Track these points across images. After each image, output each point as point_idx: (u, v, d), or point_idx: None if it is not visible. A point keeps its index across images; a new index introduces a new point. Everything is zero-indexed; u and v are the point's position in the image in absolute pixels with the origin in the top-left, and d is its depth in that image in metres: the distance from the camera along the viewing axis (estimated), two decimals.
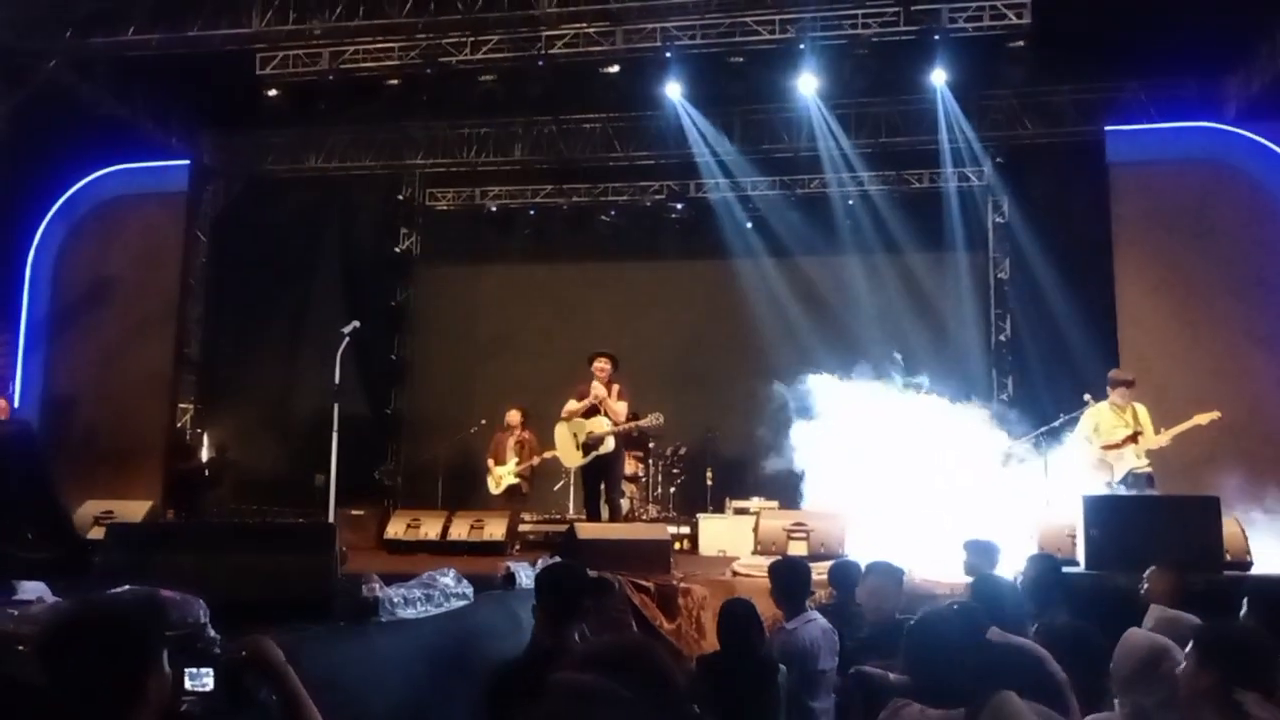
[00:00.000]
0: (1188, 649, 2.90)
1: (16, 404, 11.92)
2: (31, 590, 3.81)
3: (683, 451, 12.33)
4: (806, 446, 9.61)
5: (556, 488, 12.53)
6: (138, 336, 12.72)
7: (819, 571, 7.03)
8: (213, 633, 2.86)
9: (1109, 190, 11.43)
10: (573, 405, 9.32)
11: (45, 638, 2.13)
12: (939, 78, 11.14)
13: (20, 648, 2.83)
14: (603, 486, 9.64)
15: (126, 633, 2.11)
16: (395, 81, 11.32)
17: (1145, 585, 4.90)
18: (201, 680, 2.44)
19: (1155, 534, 6.33)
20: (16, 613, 3.34)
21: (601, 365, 9.51)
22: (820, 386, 10.32)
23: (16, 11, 10.54)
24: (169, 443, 12.95)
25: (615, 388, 9.53)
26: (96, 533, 7.11)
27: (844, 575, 5.77)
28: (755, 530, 8.15)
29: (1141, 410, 8.50)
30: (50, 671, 2.07)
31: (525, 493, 11.21)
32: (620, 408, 9.31)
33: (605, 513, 9.70)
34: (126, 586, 2.83)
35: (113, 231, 13.15)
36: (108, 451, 11.82)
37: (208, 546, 4.01)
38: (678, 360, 12.83)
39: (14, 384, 12.53)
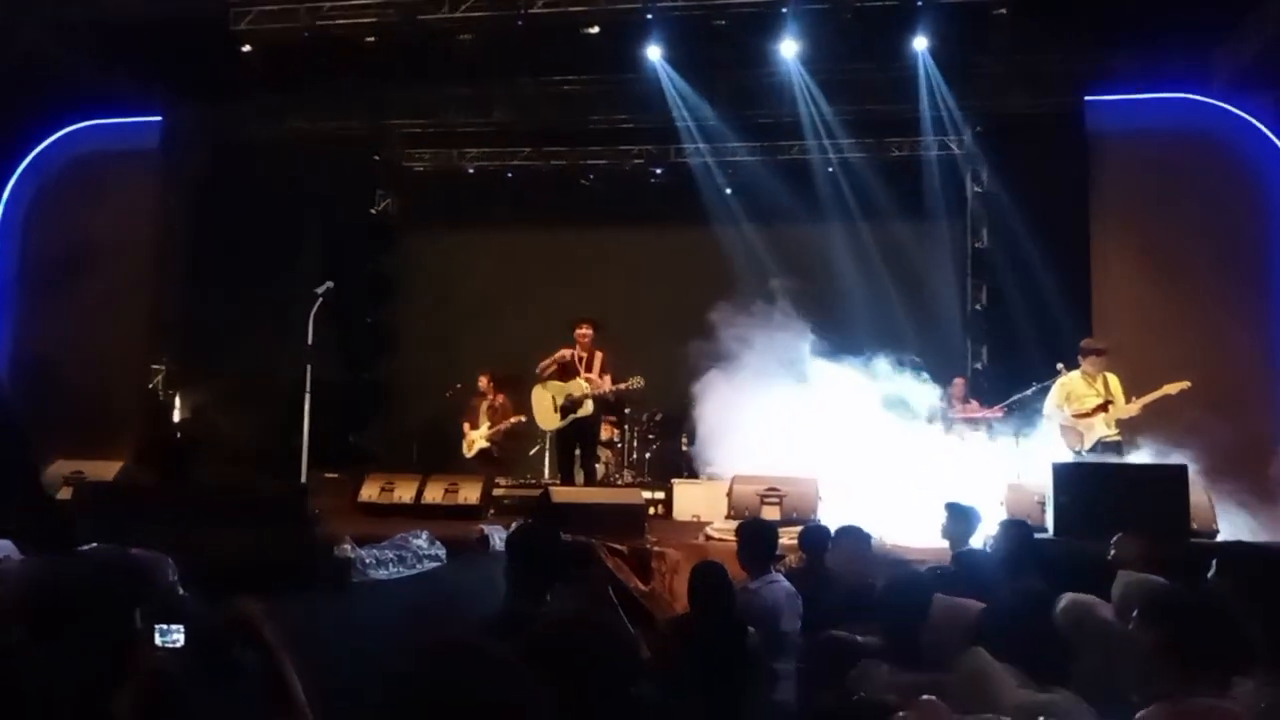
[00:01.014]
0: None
1: None
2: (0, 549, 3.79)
3: (659, 417, 12.36)
4: (781, 412, 9.66)
5: (532, 452, 12.57)
6: (111, 296, 12.57)
7: (789, 536, 7.12)
8: (182, 591, 2.86)
9: (1088, 160, 11.45)
10: (545, 362, 9.36)
11: (21, 600, 2.12)
12: (920, 44, 11.10)
13: None
14: (578, 451, 9.69)
15: (98, 593, 2.11)
16: (372, 39, 11.16)
17: (1113, 552, 4.97)
18: (171, 636, 2.44)
19: (1123, 502, 6.43)
20: None
21: (584, 331, 9.52)
22: (798, 354, 10.38)
23: None
24: (142, 405, 12.85)
25: (599, 355, 9.54)
26: (65, 493, 7.08)
27: (814, 539, 5.84)
28: (729, 495, 8.22)
29: (1113, 379, 8.59)
30: (26, 632, 2.07)
31: (497, 456, 11.26)
32: (605, 380, 9.35)
33: (581, 477, 9.75)
34: (95, 545, 2.82)
35: (86, 189, 12.93)
36: (79, 413, 11.70)
37: (181, 509, 4.00)
38: (656, 325, 12.82)
39: None
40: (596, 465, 10.95)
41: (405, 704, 1.58)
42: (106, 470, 8.67)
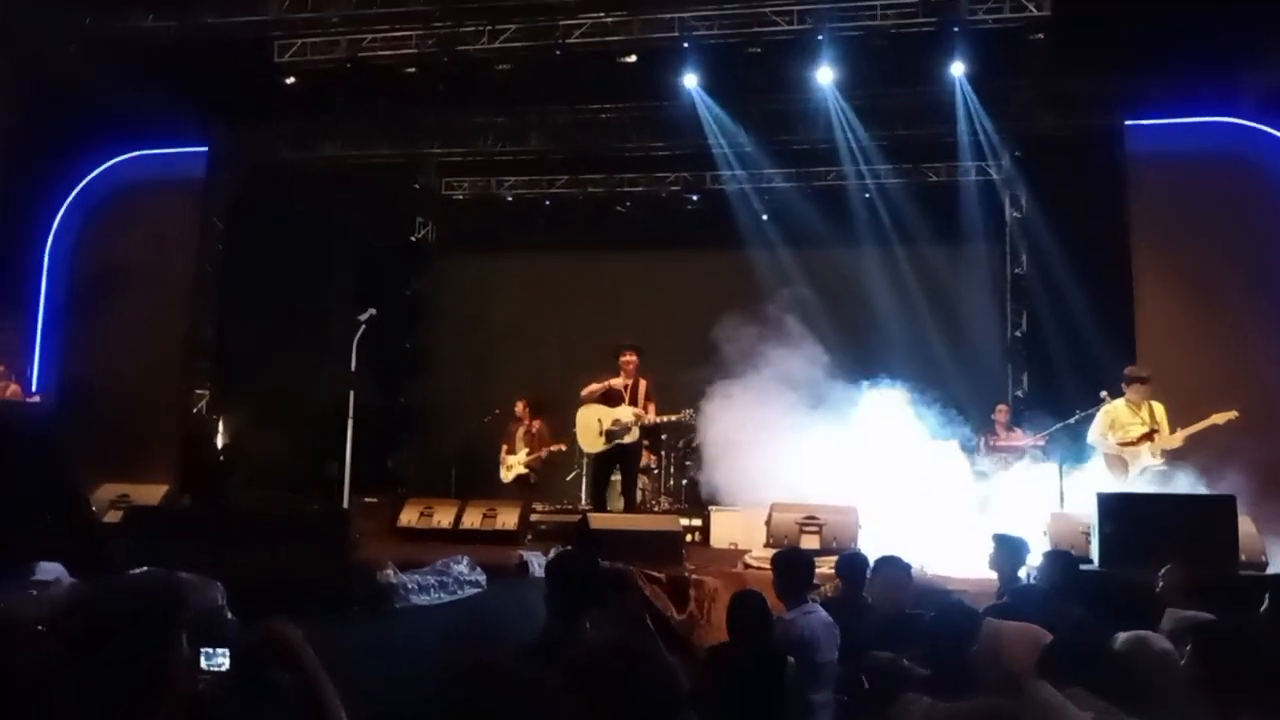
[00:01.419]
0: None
1: (34, 388, 11.98)
2: (49, 571, 3.84)
3: (695, 444, 12.31)
4: (819, 442, 9.59)
5: (569, 478, 12.55)
6: (153, 322, 12.78)
7: (828, 565, 7.05)
8: (230, 615, 2.87)
9: (1127, 184, 11.34)
10: (594, 387, 9.36)
11: (67, 621, 2.13)
12: (957, 69, 11.08)
13: (40, 628, 2.85)
14: (617, 477, 9.66)
15: (147, 616, 2.11)
16: (412, 70, 11.32)
17: (1161, 583, 4.88)
18: (217, 660, 2.45)
19: (1170, 532, 6.30)
20: (35, 593, 3.36)
21: (629, 359, 9.51)
22: (834, 385, 10.33)
23: None
24: (184, 428, 13.01)
25: (644, 383, 9.53)
26: (113, 516, 7.17)
27: (851, 568, 5.76)
28: (768, 523, 8.15)
29: (1158, 408, 8.45)
30: (72, 654, 2.08)
31: (534, 482, 11.27)
32: (650, 408, 9.35)
33: (620, 503, 9.72)
34: (144, 569, 2.84)
35: (129, 218, 13.20)
36: (123, 436, 11.87)
37: (224, 532, 4.03)
38: (691, 351, 12.80)
39: (31, 369, 12.60)
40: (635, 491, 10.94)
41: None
42: (152, 494, 8.77)
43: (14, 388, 9.98)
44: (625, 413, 9.30)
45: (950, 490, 8.88)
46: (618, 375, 9.48)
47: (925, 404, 10.34)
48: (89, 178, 13.41)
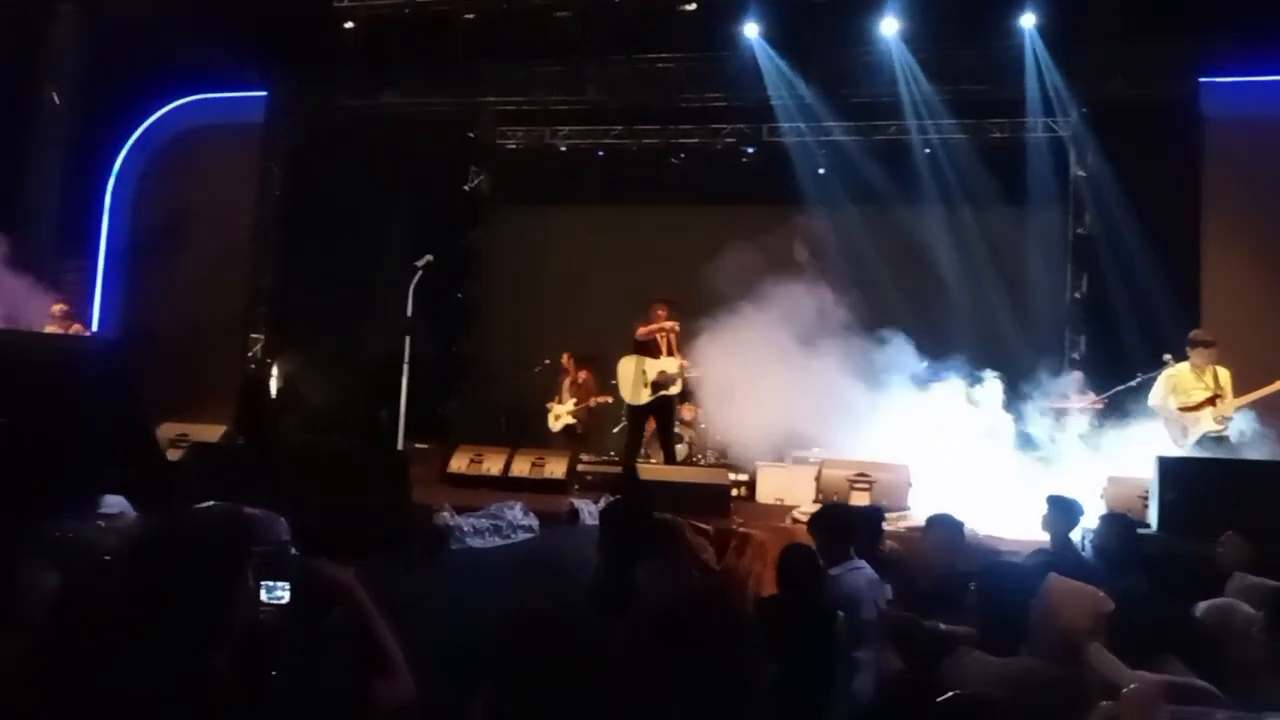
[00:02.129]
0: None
1: (94, 327, 12.24)
2: (114, 504, 3.93)
3: (743, 399, 12.27)
4: (871, 399, 9.53)
5: (616, 430, 12.60)
6: (213, 267, 12.97)
7: (890, 524, 7.00)
8: (294, 550, 2.91)
9: (1201, 146, 10.99)
10: (649, 328, 9.35)
11: (136, 551, 2.18)
12: (1028, 21, 10.78)
13: (107, 558, 2.92)
14: (655, 428, 9.67)
15: (215, 547, 2.15)
16: (470, 17, 11.26)
17: (1221, 550, 4.79)
18: (278, 594, 2.48)
19: (1233, 499, 6.16)
20: (103, 525, 3.44)
21: (661, 311, 9.51)
22: (889, 342, 10.23)
23: None
24: (241, 372, 13.24)
25: (674, 337, 9.53)
26: (173, 454, 7.33)
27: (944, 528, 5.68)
28: (818, 479, 8.13)
29: (1223, 373, 8.26)
30: (141, 584, 2.12)
31: (580, 433, 11.33)
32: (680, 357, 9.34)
33: (659, 456, 9.74)
34: (211, 503, 2.89)
35: (190, 162, 13.35)
36: (182, 377, 12.11)
37: (285, 470, 4.10)
38: (743, 307, 12.73)
39: (92, 308, 12.86)
40: (679, 446, 10.95)
41: (515, 665, 1.57)
42: (210, 433, 8.97)
43: (77, 327, 10.19)
44: (671, 363, 9.30)
45: (1003, 451, 8.77)
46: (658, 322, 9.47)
47: (979, 365, 10.22)
48: (150, 121, 13.57)
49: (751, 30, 11.42)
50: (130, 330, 12.96)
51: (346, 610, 2.34)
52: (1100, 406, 9.95)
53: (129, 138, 13.58)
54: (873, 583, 4.91)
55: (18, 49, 10.76)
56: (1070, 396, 10.45)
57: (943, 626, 4.29)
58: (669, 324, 9.35)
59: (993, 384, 10.05)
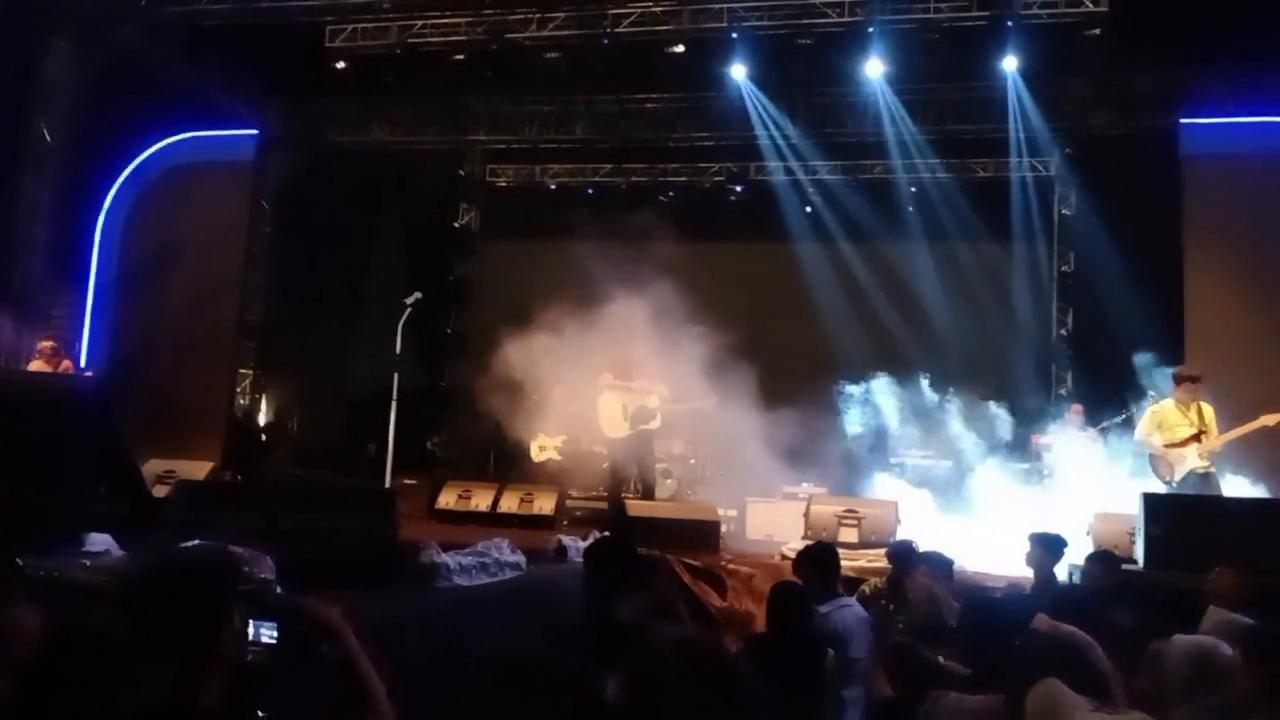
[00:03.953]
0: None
1: (83, 364, 12.20)
2: (99, 542, 3.91)
3: (732, 434, 12.28)
4: (861, 435, 9.56)
5: (605, 465, 12.58)
6: (201, 302, 12.95)
7: (867, 559, 7.03)
8: (279, 589, 2.91)
9: (1182, 184, 11.14)
10: (609, 378, 9.37)
11: (126, 589, 2.18)
12: (1010, 64, 10.93)
13: (92, 596, 2.91)
14: (636, 468, 9.65)
15: (203, 586, 2.16)
16: (461, 57, 11.37)
17: (1209, 586, 4.80)
18: (266, 632, 2.49)
19: (1218, 536, 6.19)
20: (88, 563, 3.43)
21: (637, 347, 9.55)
22: (877, 377, 10.28)
23: None
24: (229, 407, 13.20)
25: (653, 370, 9.56)
26: (159, 490, 7.29)
27: (898, 554, 5.72)
28: (806, 515, 8.13)
29: (1207, 409, 8.29)
30: (129, 622, 2.12)
31: (567, 466, 11.30)
32: (662, 389, 9.35)
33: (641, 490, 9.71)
34: (196, 541, 2.90)
35: (180, 198, 13.37)
36: (170, 413, 12.05)
37: (271, 506, 4.09)
38: (731, 343, 12.78)
39: (81, 345, 12.82)
40: (668, 481, 10.94)
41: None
42: (198, 470, 8.93)
43: (66, 363, 10.16)
44: (650, 398, 9.31)
45: (992, 488, 8.80)
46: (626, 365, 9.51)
47: (966, 401, 10.29)
48: (141, 157, 13.60)
49: (738, 71, 11.56)
50: (118, 365, 12.91)
51: (332, 648, 2.35)
52: (1094, 440, 9.98)
53: (120, 174, 13.61)
54: (861, 620, 4.91)
55: (10, 84, 10.82)
56: (1069, 430, 10.46)
57: (941, 660, 4.29)
58: (637, 385, 9.32)
59: (982, 419, 10.11)
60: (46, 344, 9.91)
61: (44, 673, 1.93)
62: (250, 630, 2.44)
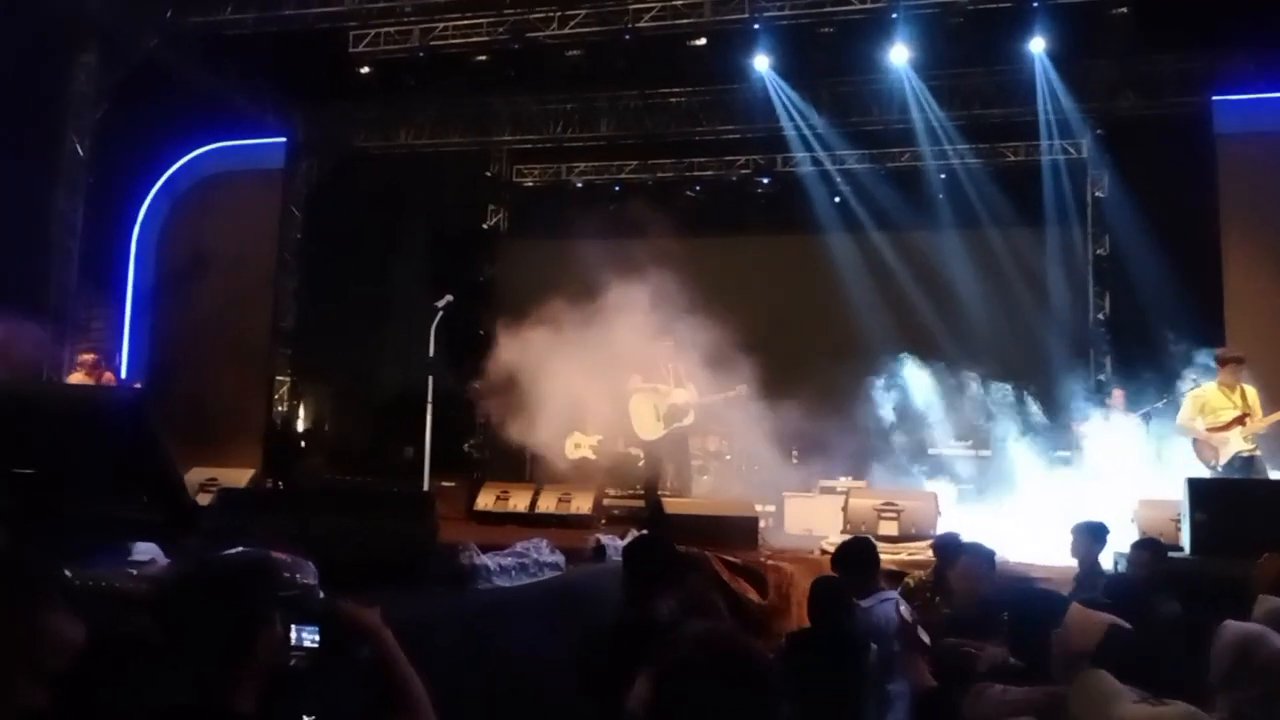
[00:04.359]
0: None
1: (123, 375, 12.36)
2: (145, 551, 3.95)
3: (766, 429, 12.22)
4: (898, 427, 9.49)
5: (641, 464, 12.57)
6: (236, 310, 13.09)
7: (907, 551, 6.97)
8: (322, 594, 2.93)
9: (1216, 163, 10.96)
10: (638, 380, 9.36)
11: (164, 596, 2.20)
12: (1037, 46, 10.80)
13: (137, 604, 2.94)
14: (672, 467, 9.63)
15: (241, 593, 2.17)
16: (483, 57, 11.39)
17: (1257, 571, 4.71)
18: (308, 637, 2.50)
19: (1267, 520, 6.06)
20: (135, 572, 3.47)
21: (666, 344, 9.53)
22: (911, 368, 10.20)
23: None
24: (267, 414, 13.33)
25: (679, 367, 9.53)
26: (203, 499, 7.37)
27: (947, 546, 5.67)
28: (845, 509, 8.08)
29: (1251, 392, 8.16)
30: (167, 628, 2.14)
31: (602, 465, 11.30)
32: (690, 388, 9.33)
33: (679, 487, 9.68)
34: (239, 548, 2.91)
35: (213, 207, 13.53)
36: (209, 421, 12.18)
37: (311, 511, 4.12)
38: (764, 337, 12.73)
39: (120, 356, 12.99)
40: (705, 478, 10.91)
41: None
42: (239, 477, 9.02)
43: (108, 375, 10.30)
44: (680, 395, 9.29)
45: (1034, 476, 8.70)
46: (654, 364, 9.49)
47: (1004, 390, 10.18)
48: (173, 169, 13.77)
49: (761, 63, 11.50)
50: (157, 375, 13.07)
51: (372, 651, 2.35)
52: (1136, 425, 9.81)
53: (152, 185, 13.78)
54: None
55: (41, 99, 10.97)
56: (1110, 417, 10.30)
57: (971, 649, 4.25)
58: (663, 387, 9.28)
59: (1020, 407, 10.00)
60: (88, 356, 10.05)
61: (82, 679, 1.95)
62: (293, 635, 2.46)
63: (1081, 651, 3.14)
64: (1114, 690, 2.93)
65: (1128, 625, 3.45)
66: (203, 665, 2.08)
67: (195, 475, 8.73)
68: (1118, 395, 10.66)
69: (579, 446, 11.45)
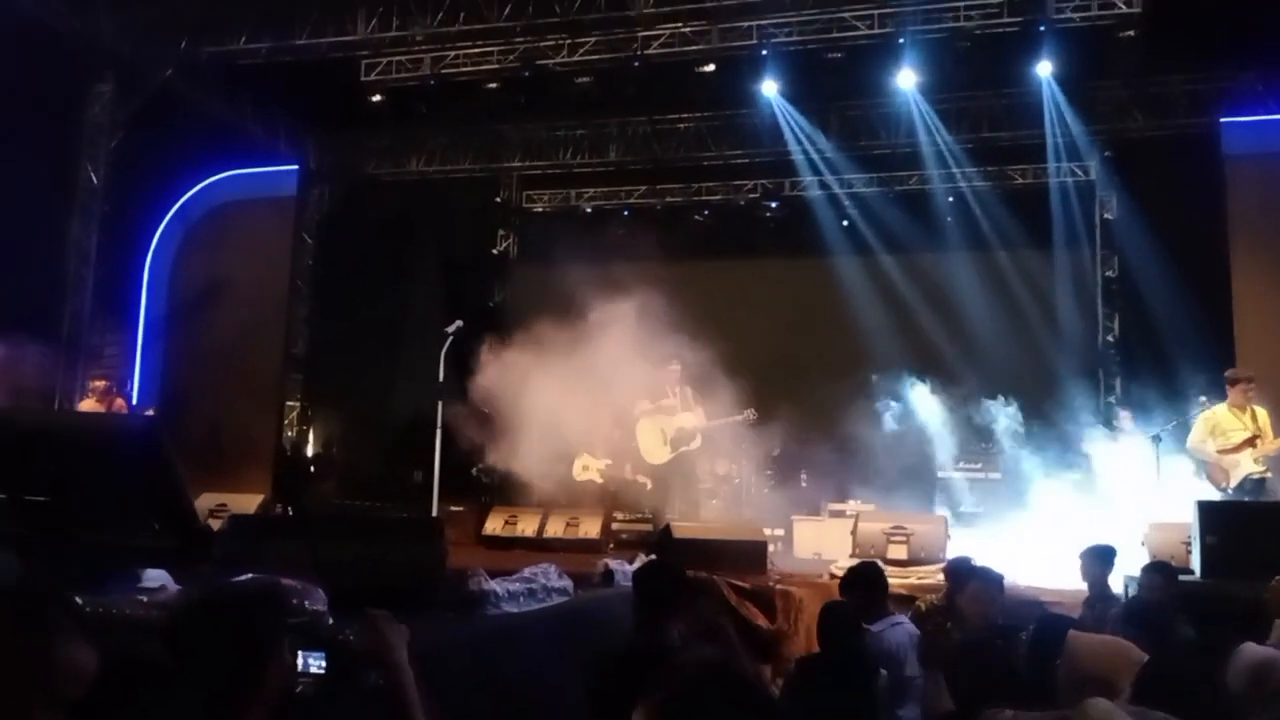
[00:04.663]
0: None
1: (135, 401, 12.43)
2: (155, 578, 3.97)
3: (776, 453, 12.22)
4: (907, 450, 9.48)
5: (650, 488, 12.55)
6: (248, 336, 13.17)
7: (917, 575, 6.95)
8: (331, 620, 2.94)
9: (1225, 184, 10.97)
10: (646, 405, 9.37)
11: (174, 622, 2.21)
12: (1044, 69, 10.84)
13: (148, 631, 2.96)
14: (679, 490, 9.64)
15: (251, 620, 2.18)
16: (494, 85, 11.50)
17: (1269, 595, 4.68)
18: (315, 662, 2.52)
19: (1279, 542, 6.03)
20: (145, 599, 3.49)
21: (673, 369, 9.56)
22: (920, 391, 10.19)
23: (132, 22, 11.02)
24: (278, 439, 13.37)
25: (688, 390, 9.55)
26: (213, 524, 7.40)
27: (956, 571, 5.66)
28: (854, 533, 8.05)
29: (1261, 413, 8.12)
30: (177, 655, 2.15)
31: (610, 489, 11.29)
32: (699, 411, 9.34)
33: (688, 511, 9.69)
34: (249, 575, 2.94)
35: (225, 234, 13.64)
36: (220, 447, 12.26)
37: (320, 537, 4.14)
38: (773, 361, 12.75)
39: (132, 382, 13.07)
40: (714, 502, 10.89)
41: None
42: (249, 503, 9.05)
43: (119, 401, 10.37)
44: (687, 419, 9.30)
45: (1044, 499, 8.67)
46: (661, 388, 9.50)
47: (1013, 412, 10.16)
48: (186, 196, 13.90)
49: (769, 88, 11.57)
50: (169, 401, 13.14)
51: (380, 675, 2.36)
52: (1146, 447, 9.77)
53: (166, 213, 13.91)
54: (915, 638, 4.84)
55: (55, 128, 11.11)
56: (1119, 439, 10.28)
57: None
58: (665, 401, 9.31)
59: (1029, 430, 9.98)
60: (99, 383, 10.13)
61: (95, 707, 1.97)
62: (299, 661, 2.48)
63: (1085, 677, 3.13)
64: (1115, 715, 2.91)
65: (1135, 648, 3.44)
66: (213, 692, 2.09)
67: (205, 501, 8.76)
68: (1125, 417, 10.64)
69: (587, 469, 11.44)
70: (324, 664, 2.55)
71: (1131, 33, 9.75)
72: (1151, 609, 4.71)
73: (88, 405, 9.94)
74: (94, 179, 11.50)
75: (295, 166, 13.87)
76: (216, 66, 11.77)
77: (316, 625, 2.90)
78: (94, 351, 11.86)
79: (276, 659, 2.21)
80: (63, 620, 2.06)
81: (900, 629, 4.88)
